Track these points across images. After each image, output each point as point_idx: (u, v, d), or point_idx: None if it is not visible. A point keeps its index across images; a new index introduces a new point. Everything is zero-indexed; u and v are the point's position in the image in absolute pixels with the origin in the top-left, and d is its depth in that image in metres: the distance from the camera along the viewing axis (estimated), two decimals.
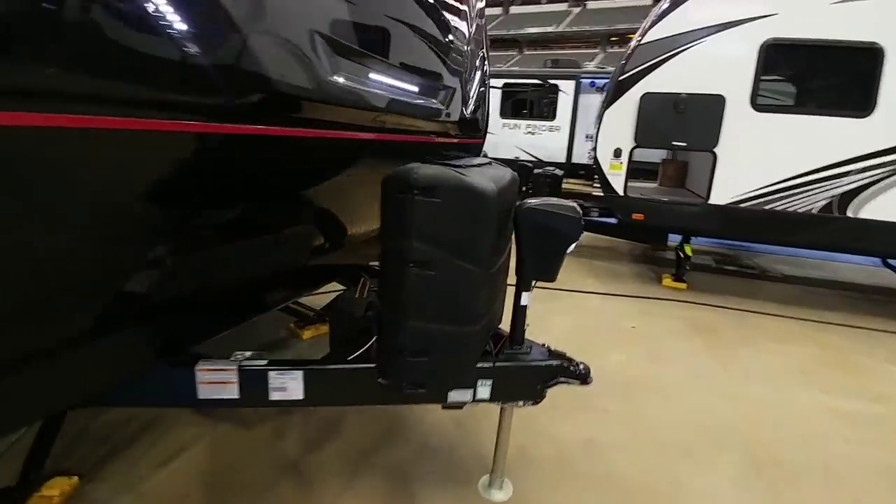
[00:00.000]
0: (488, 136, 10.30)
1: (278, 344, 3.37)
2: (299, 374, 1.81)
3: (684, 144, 4.88)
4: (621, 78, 4.93)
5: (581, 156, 10.25)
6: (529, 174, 6.58)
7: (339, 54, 1.66)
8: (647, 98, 4.85)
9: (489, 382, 1.93)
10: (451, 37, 2.53)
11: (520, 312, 2.00)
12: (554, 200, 1.87)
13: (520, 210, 1.85)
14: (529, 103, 10.87)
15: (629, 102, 4.92)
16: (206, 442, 2.41)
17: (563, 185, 11.26)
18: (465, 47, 2.79)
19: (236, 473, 2.22)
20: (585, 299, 4.77)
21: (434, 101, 2.40)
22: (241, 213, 1.56)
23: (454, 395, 1.92)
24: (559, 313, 4.33)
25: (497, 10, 30.31)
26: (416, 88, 2.22)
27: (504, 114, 10.89)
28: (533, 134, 10.67)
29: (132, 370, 1.56)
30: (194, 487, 2.11)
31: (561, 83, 10.43)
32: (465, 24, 2.78)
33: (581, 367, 1.98)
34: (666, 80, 4.77)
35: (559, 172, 6.53)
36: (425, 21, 2.26)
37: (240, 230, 1.61)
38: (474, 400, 1.94)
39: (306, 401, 1.83)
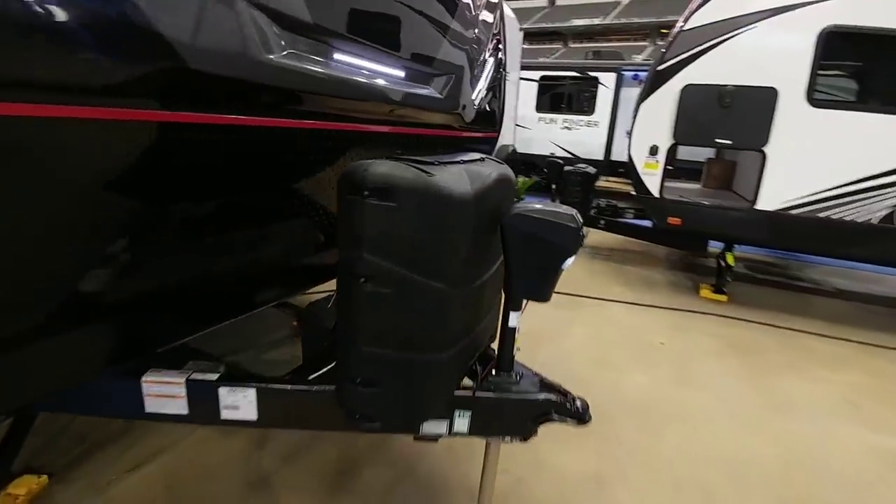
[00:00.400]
0: (521, 130, 9.94)
1: (282, 342, 3.19)
2: (252, 393, 1.59)
3: (730, 142, 4.43)
4: (660, 68, 4.51)
5: (621, 152, 9.71)
6: (559, 172, 6.20)
7: (313, 34, 1.43)
8: (688, 90, 4.41)
9: (468, 414, 1.66)
10: (450, 18, 2.25)
11: (508, 335, 1.71)
12: (549, 206, 1.57)
13: (507, 217, 1.57)
14: (567, 97, 10.38)
15: (668, 95, 4.50)
16: (181, 448, 2.31)
17: (601, 184, 10.78)
18: (471, 30, 2.50)
19: (205, 484, 2.09)
20: (611, 308, 4.40)
21: (427, 88, 2.13)
22: (204, 207, 1.38)
23: (427, 427, 1.66)
24: (580, 323, 4.00)
25: (543, 2, 29.57)
26: (403, 73, 1.95)
27: (540, 108, 10.44)
28: (570, 129, 10.18)
29: (72, 378, 1.38)
30: (160, 495, 2.03)
31: (601, 76, 9.88)
32: (469, 3, 2.49)
33: (578, 403, 1.68)
34: (711, 70, 4.32)
35: (591, 170, 6.10)
36: None
37: (202, 224, 1.41)
38: (450, 433, 1.67)
39: (260, 423, 1.62)
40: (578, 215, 1.57)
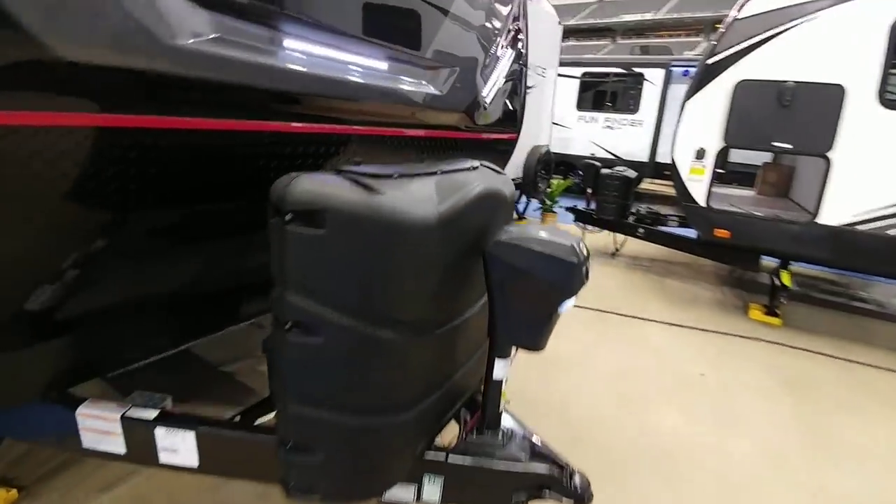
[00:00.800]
0: (559, 130, 9.49)
1: None
2: (191, 437, 1.35)
3: (789, 146, 3.90)
4: (710, 61, 4.03)
5: (667, 154, 9.15)
6: (595, 174, 5.76)
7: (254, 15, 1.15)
8: (742, 87, 3.92)
9: (440, 480, 1.36)
10: (448, 1, 1.93)
11: (493, 388, 1.39)
12: (547, 232, 1.24)
13: (489, 246, 1.25)
14: (610, 95, 9.79)
15: (719, 92, 4.02)
16: (153, 472, 2.11)
17: (645, 187, 10.17)
18: (479, 19, 2.18)
19: None
20: (647, 329, 3.97)
21: (420, 83, 1.82)
22: (152, 217, 1.18)
23: (391, 493, 1.36)
24: (609, 345, 3.60)
25: None
26: (384, 65, 1.65)
27: (581, 106, 9.92)
28: (612, 129, 9.61)
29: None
30: None
31: (647, 72, 9.25)
32: None
33: (577, 479, 1.34)
34: (768, 64, 3.81)
35: (631, 173, 5.63)
36: None
37: (132, 240, 1.18)
38: (418, 500, 1.38)
39: (202, 469, 1.38)
40: (582, 245, 1.24)
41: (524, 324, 1.28)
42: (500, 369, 1.37)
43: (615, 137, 9.58)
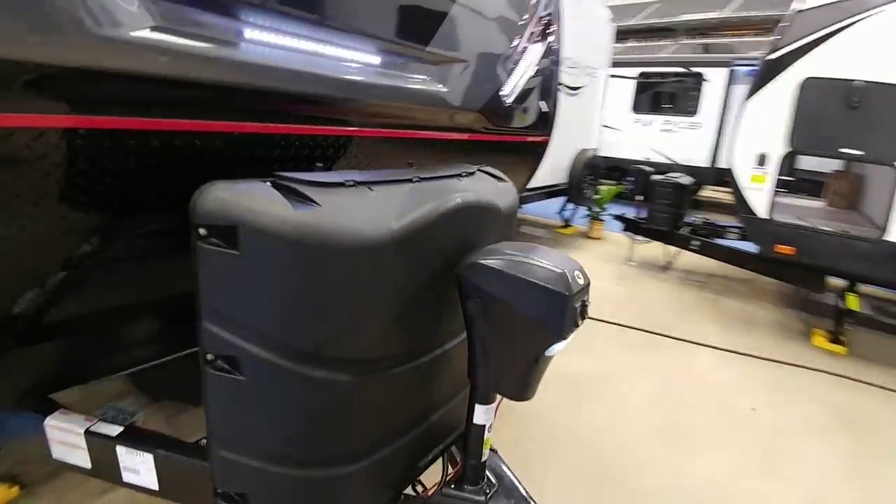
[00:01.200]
0: (611, 132, 9.06)
1: None
2: (150, 459, 1.24)
3: (859, 153, 3.44)
4: (773, 56, 3.61)
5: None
6: (645, 181, 5.38)
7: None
8: (809, 85, 3.49)
9: None
10: None
11: (473, 436, 1.19)
12: (532, 254, 1.03)
13: (461, 267, 1.05)
14: (668, 96, 9.23)
15: (783, 90, 3.60)
16: None
17: (705, 195, 9.53)
18: (495, 9, 1.98)
19: None
20: (696, 354, 3.60)
21: (419, 79, 1.64)
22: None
23: None
24: (651, 370, 3.28)
25: None
26: (370, 58, 1.48)
27: (638, 108, 9.41)
28: (669, 132, 9.06)
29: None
30: None
31: (707, 71, 8.62)
32: None
33: None
34: (837, 60, 3.38)
35: (686, 179, 5.21)
36: None
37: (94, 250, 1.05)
38: None
39: (162, 494, 1.28)
40: (578, 274, 1.01)
41: (504, 367, 1.07)
42: (481, 415, 1.16)
43: (673, 141, 9.02)
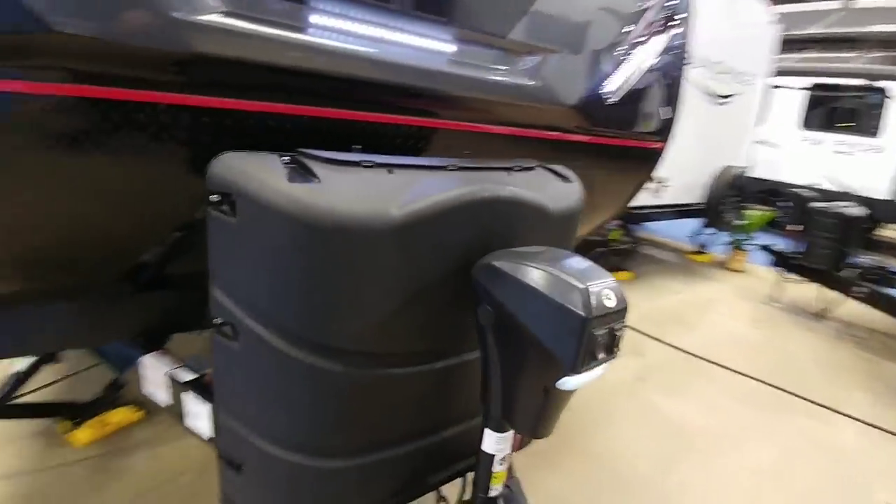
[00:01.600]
0: (771, 150, 7.96)
1: None
2: (207, 410, 1.32)
3: None
4: None
5: None
6: (804, 208, 4.57)
7: None
8: None
9: None
10: None
11: (482, 466, 1.03)
12: (554, 261, 0.85)
13: (475, 268, 0.91)
14: (846, 112, 7.81)
15: None
16: None
17: (885, 234, 7.90)
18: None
19: None
20: (833, 424, 2.93)
21: (499, 68, 1.51)
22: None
23: None
24: (768, 436, 2.73)
25: (835, 4, 23.85)
26: (446, 45, 1.38)
27: (808, 124, 8.11)
28: (844, 154, 7.68)
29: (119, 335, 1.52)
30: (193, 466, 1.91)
31: (893, 87, 7.16)
32: None
33: None
34: None
35: (856, 211, 4.34)
36: None
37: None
38: None
39: (212, 443, 1.39)
40: (611, 291, 0.82)
41: (513, 393, 0.91)
42: (491, 443, 1.00)
43: (847, 165, 7.64)
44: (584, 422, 2.37)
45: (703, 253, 6.27)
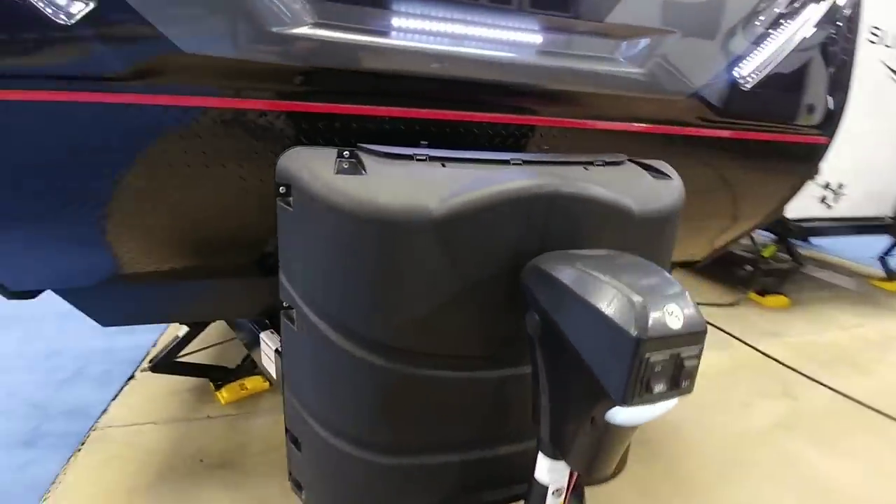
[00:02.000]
0: None
1: None
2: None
3: None
4: None
5: None
6: None
7: None
8: None
9: None
10: None
11: (533, 494, 0.89)
12: (615, 268, 0.71)
13: (525, 272, 0.79)
14: None
15: None
16: None
17: None
18: None
19: None
20: None
21: (601, 56, 1.35)
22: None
23: None
24: None
25: None
26: (542, 36, 1.26)
27: None
28: None
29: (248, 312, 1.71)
30: None
31: None
32: None
33: None
34: None
35: None
36: None
37: None
38: None
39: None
40: (678, 308, 0.66)
41: (562, 419, 0.77)
42: (543, 471, 0.87)
43: None
44: (711, 472, 2.01)
45: (894, 280, 5.12)
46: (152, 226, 1.19)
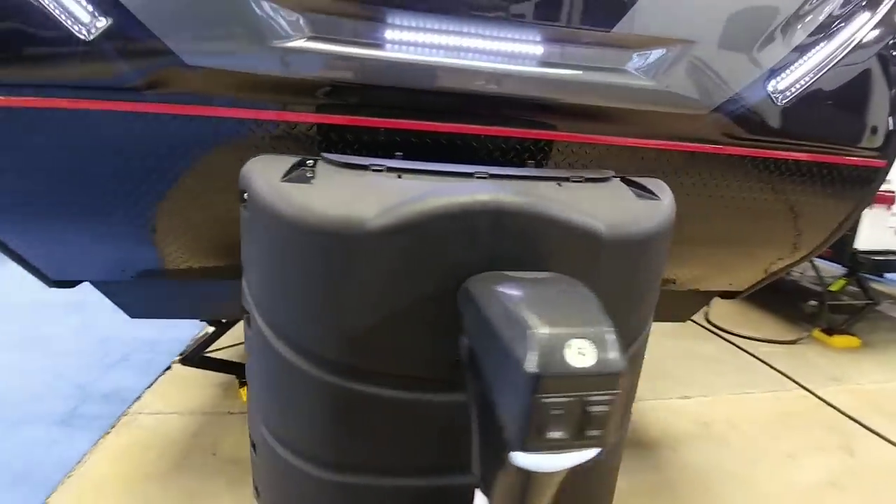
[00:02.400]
0: None
1: None
2: None
3: None
4: None
5: None
6: None
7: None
8: None
9: None
10: None
11: None
12: (533, 289, 0.67)
13: (459, 292, 0.76)
14: None
15: None
16: None
17: None
18: None
19: None
20: None
21: (612, 67, 1.30)
22: None
23: None
24: None
25: None
26: (541, 48, 1.23)
27: None
28: None
29: None
30: None
31: None
32: None
33: None
34: None
35: None
36: None
37: None
38: None
39: None
40: (591, 343, 0.61)
41: (486, 455, 0.73)
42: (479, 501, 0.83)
43: None
44: None
45: None
46: (197, 225, 1.25)
